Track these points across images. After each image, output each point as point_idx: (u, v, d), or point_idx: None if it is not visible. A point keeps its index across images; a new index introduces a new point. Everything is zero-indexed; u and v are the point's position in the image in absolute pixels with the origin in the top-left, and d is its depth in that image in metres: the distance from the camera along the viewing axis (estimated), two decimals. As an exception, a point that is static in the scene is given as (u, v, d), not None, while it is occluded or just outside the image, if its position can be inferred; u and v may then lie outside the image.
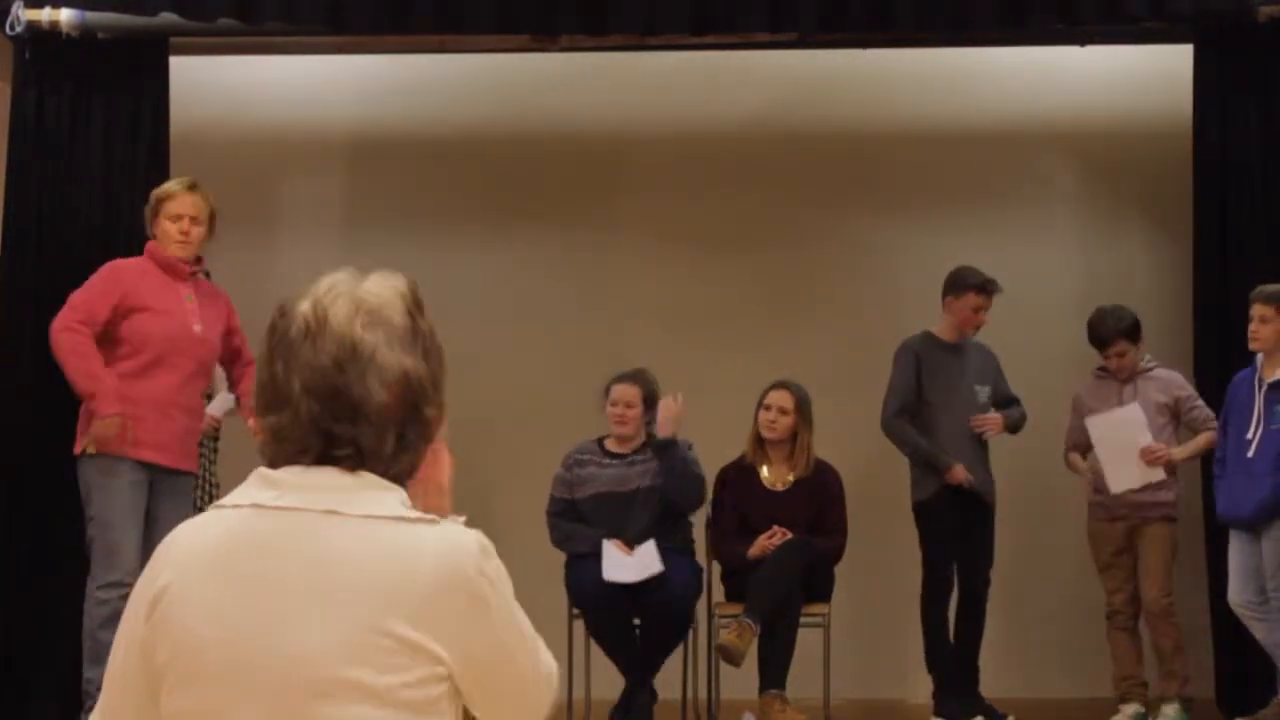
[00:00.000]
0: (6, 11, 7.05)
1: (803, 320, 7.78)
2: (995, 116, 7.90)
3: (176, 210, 5.93)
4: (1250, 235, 7.20)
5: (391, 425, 1.88)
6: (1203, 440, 6.87)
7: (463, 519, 1.92)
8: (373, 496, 1.87)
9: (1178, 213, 7.51)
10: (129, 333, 5.84)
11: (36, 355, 6.65)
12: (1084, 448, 7.02)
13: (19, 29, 7.08)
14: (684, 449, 6.77)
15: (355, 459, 1.88)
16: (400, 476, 1.91)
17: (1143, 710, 6.85)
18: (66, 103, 7.24)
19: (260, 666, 1.81)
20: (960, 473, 6.86)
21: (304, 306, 1.91)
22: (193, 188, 5.99)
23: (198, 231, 5.96)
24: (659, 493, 6.75)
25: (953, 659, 6.97)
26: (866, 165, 7.88)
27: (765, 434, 6.94)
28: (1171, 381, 6.96)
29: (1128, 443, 6.84)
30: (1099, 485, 6.90)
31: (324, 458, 1.88)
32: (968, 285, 7.02)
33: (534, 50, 7.53)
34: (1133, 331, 6.94)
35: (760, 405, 6.97)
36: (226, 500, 1.92)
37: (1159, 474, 6.81)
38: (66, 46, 7.20)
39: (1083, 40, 7.53)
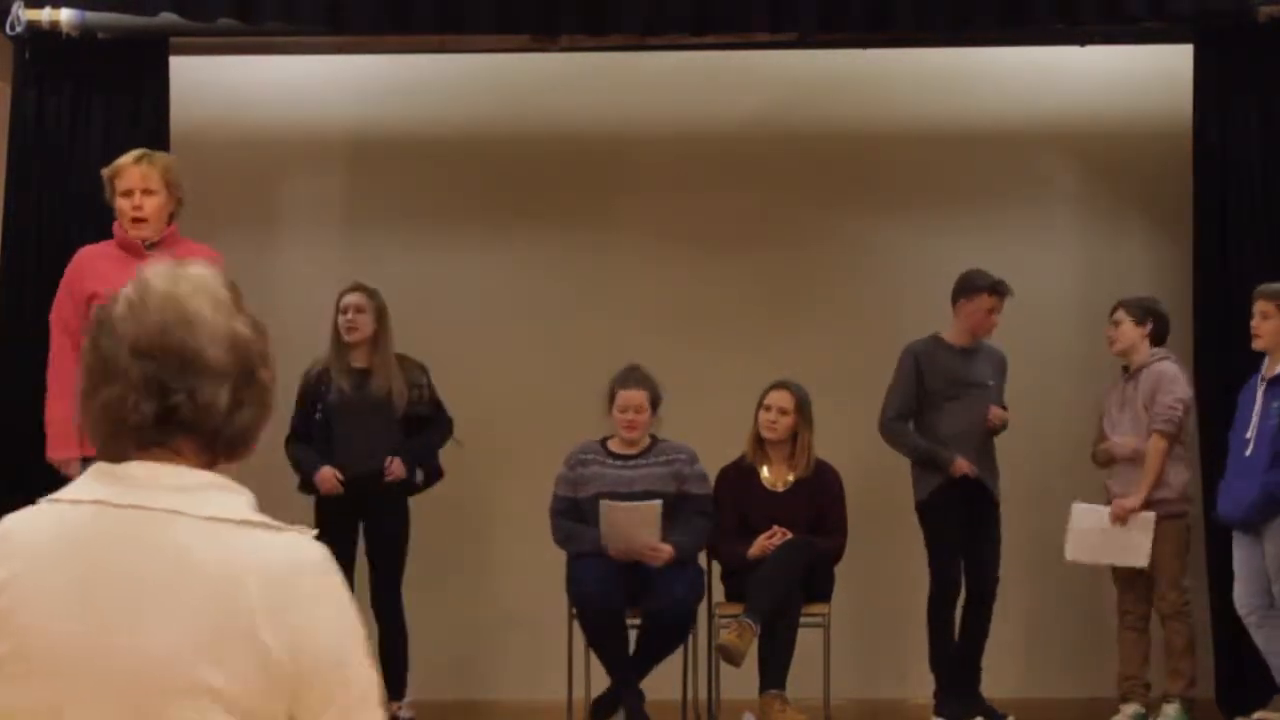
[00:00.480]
0: (6, 11, 7.05)
1: (803, 320, 7.78)
2: (995, 116, 7.89)
3: (125, 185, 5.75)
4: (1250, 235, 7.21)
5: (226, 380, 1.87)
6: (1152, 465, 6.74)
7: (313, 533, 1.89)
8: (220, 498, 1.86)
9: (1178, 213, 7.51)
10: (85, 322, 5.77)
11: (37, 355, 6.65)
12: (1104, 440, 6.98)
13: (19, 29, 7.08)
14: (688, 551, 6.73)
15: (190, 410, 1.85)
16: (235, 439, 1.89)
17: (1143, 711, 6.84)
18: (66, 103, 7.24)
19: (108, 664, 1.79)
20: (963, 464, 6.86)
21: (126, 290, 1.90)
22: (141, 159, 5.78)
23: (152, 203, 5.73)
24: (662, 496, 6.74)
25: (956, 658, 6.97)
26: (866, 165, 7.87)
27: (766, 434, 6.93)
28: (1163, 376, 6.84)
29: (1103, 528, 6.79)
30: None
31: (160, 419, 1.85)
32: (979, 287, 7.01)
33: (534, 50, 7.53)
34: (1138, 309, 6.89)
35: (760, 406, 6.96)
36: (64, 494, 1.89)
37: (1149, 526, 6.72)
38: (66, 46, 7.20)
39: (1083, 40, 7.53)
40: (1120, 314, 6.93)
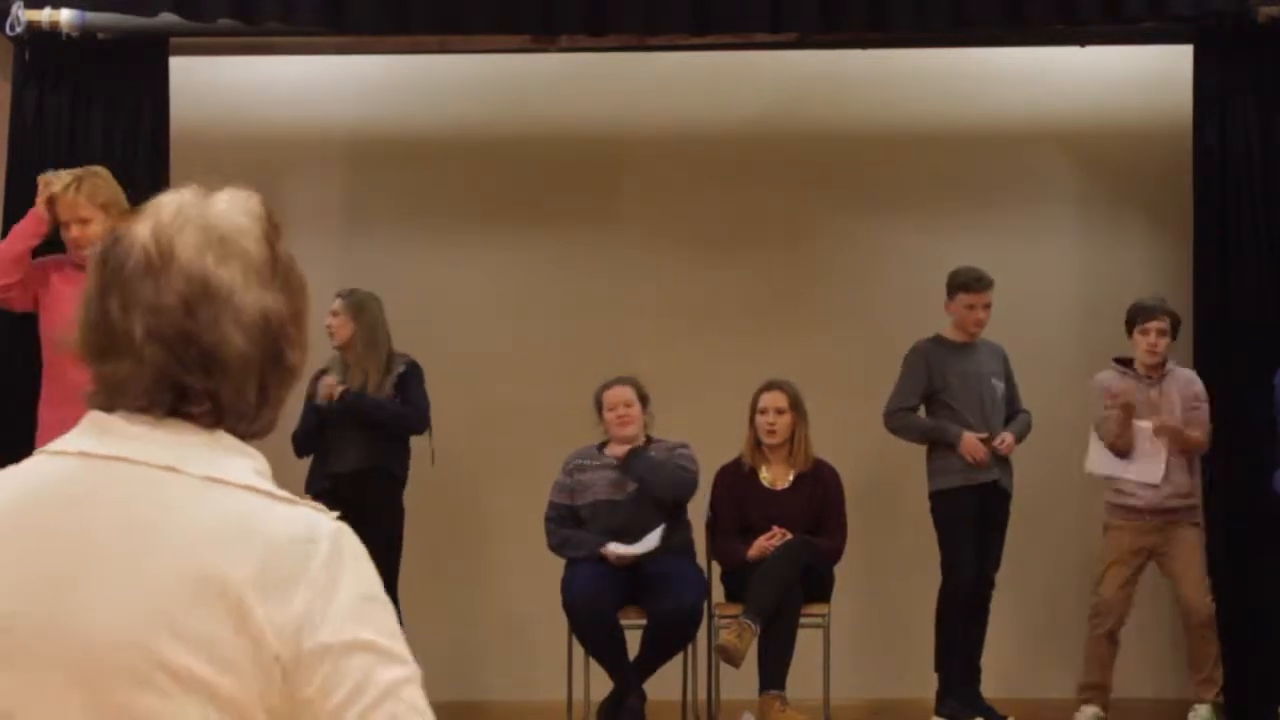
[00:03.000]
0: (6, 12, 7.05)
1: (802, 320, 7.78)
2: (995, 116, 7.89)
3: (63, 216, 5.62)
4: (1250, 235, 7.20)
5: (252, 376, 1.61)
6: (1198, 439, 6.79)
7: (333, 514, 1.66)
8: (224, 459, 1.59)
9: (1178, 213, 7.51)
10: (43, 336, 5.74)
11: (36, 356, 6.65)
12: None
13: (19, 29, 7.08)
14: (648, 457, 6.72)
15: (213, 415, 1.60)
16: (261, 434, 1.65)
17: (1103, 715, 6.81)
18: (66, 103, 7.24)
19: (61, 647, 1.52)
20: (971, 440, 6.82)
21: (144, 234, 1.60)
22: (70, 185, 5.59)
23: (90, 230, 5.53)
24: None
25: (958, 658, 6.95)
26: (866, 165, 7.87)
27: (767, 439, 6.91)
28: (1191, 382, 6.88)
29: (1142, 444, 6.78)
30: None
31: (175, 413, 1.59)
32: (954, 287, 7.03)
33: (534, 50, 7.54)
34: (1174, 318, 6.88)
35: (755, 411, 6.94)
36: (52, 445, 1.63)
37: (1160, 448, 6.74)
38: (66, 46, 7.20)
39: (1083, 40, 7.53)
40: (1166, 324, 6.88)
